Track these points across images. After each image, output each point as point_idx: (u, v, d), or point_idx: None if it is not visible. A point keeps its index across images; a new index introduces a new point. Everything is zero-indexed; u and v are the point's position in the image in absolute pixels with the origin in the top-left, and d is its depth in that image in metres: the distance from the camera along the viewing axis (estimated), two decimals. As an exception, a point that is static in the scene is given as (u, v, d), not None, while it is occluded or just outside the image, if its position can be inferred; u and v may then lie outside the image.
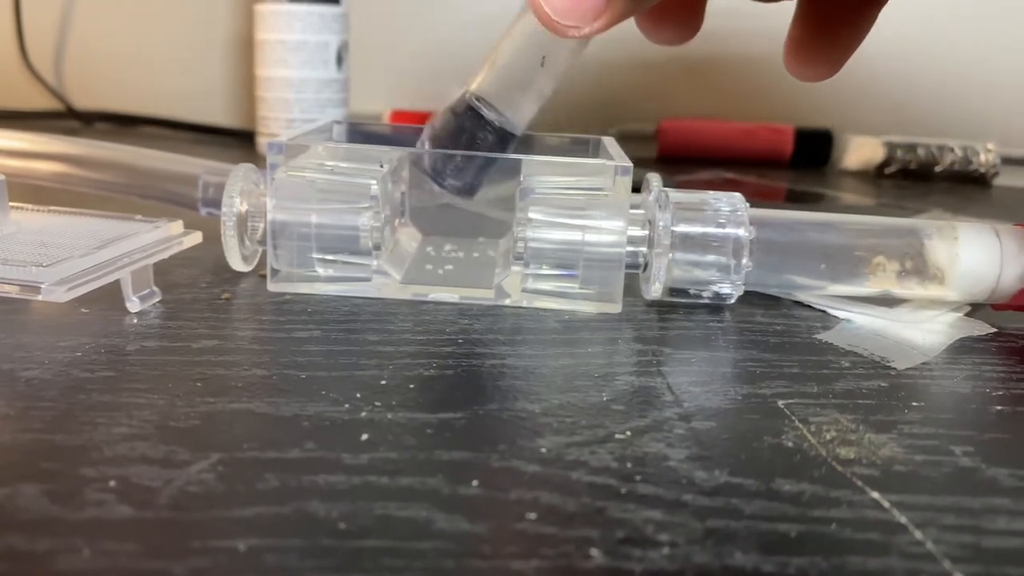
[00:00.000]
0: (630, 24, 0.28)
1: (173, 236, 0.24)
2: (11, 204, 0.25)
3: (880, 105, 0.62)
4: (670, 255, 0.24)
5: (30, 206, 0.26)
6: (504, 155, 0.25)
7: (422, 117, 0.56)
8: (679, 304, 0.26)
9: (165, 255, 0.24)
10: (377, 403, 0.18)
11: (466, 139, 0.24)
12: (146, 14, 0.64)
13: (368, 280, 0.25)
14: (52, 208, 0.26)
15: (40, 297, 0.20)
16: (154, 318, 0.23)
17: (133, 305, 0.23)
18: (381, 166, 0.25)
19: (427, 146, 0.25)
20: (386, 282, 0.26)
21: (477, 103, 0.24)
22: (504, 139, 0.24)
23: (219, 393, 0.18)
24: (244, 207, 0.26)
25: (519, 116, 0.24)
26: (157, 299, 0.24)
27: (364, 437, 0.16)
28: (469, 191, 0.25)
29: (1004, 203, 0.50)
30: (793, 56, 0.25)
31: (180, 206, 0.30)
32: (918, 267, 0.25)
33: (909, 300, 0.26)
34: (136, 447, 0.16)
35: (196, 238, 0.25)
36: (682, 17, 0.25)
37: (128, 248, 0.23)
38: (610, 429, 0.17)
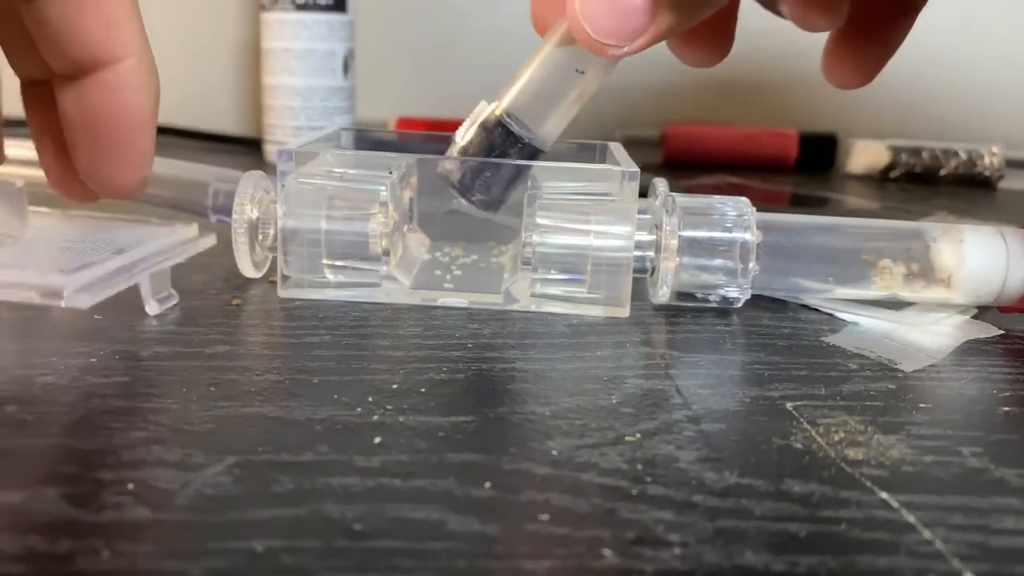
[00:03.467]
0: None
1: (189, 239, 0.25)
2: (30, 208, 0.25)
3: (884, 109, 0.62)
4: (677, 259, 0.24)
5: (47, 209, 0.26)
6: (512, 161, 0.25)
7: (428, 124, 0.57)
8: (686, 308, 0.26)
9: (182, 258, 0.24)
10: (389, 407, 0.18)
11: (496, 156, 0.24)
12: (153, 24, 0.64)
13: (377, 286, 0.26)
14: (70, 212, 0.26)
15: (63, 303, 0.20)
16: (167, 324, 0.23)
17: (152, 308, 0.23)
18: (390, 172, 0.25)
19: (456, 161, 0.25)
20: (395, 288, 0.26)
21: (508, 120, 0.24)
22: (533, 156, 0.24)
23: (233, 397, 0.18)
24: (255, 214, 0.26)
25: (548, 133, 0.24)
26: (175, 301, 0.24)
27: (376, 440, 0.17)
28: (495, 206, 0.25)
29: (1009, 206, 0.50)
30: (831, 64, 0.25)
31: (190, 213, 0.31)
32: (924, 270, 0.25)
33: (916, 303, 0.27)
34: (152, 450, 0.16)
35: (210, 240, 0.26)
36: (713, 38, 0.25)
37: (146, 252, 0.23)
38: (620, 431, 0.17)
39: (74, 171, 0.22)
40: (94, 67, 0.21)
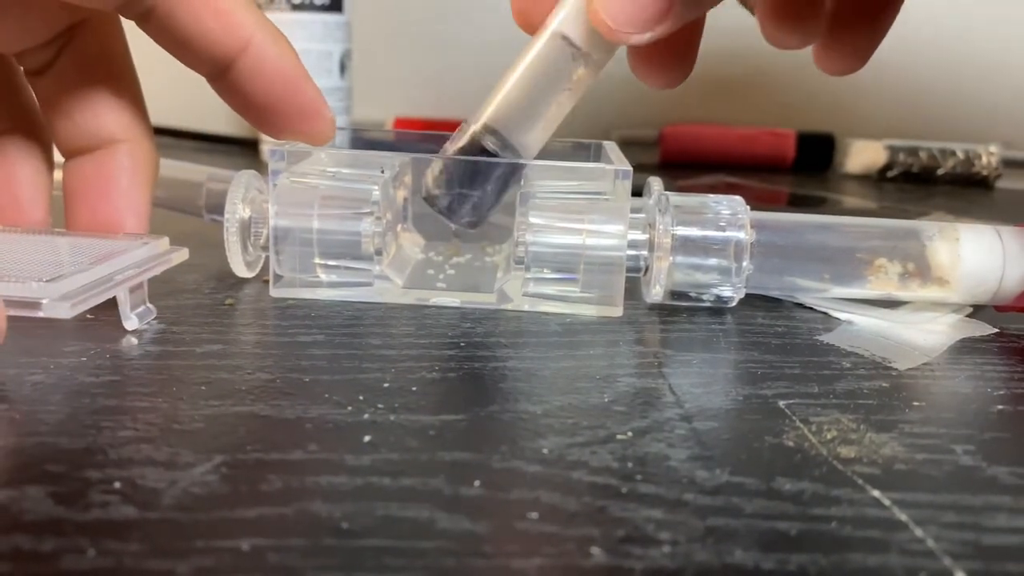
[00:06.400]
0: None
1: (161, 253, 0.24)
2: None
3: (882, 108, 0.62)
4: (671, 258, 0.24)
5: (2, 227, 0.24)
6: (505, 159, 0.25)
7: (426, 124, 0.57)
8: (680, 307, 0.26)
9: (157, 271, 0.23)
10: (380, 405, 0.18)
11: (479, 179, 0.24)
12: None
13: (370, 285, 0.25)
14: (28, 230, 0.24)
15: (42, 313, 0.19)
16: (158, 324, 0.23)
17: (131, 323, 0.22)
18: (382, 172, 0.25)
19: (440, 183, 0.24)
20: (388, 287, 0.26)
21: (488, 142, 0.23)
22: (516, 172, 0.24)
23: (223, 396, 0.18)
24: (247, 213, 0.26)
25: (531, 144, 0.24)
26: (153, 316, 0.23)
27: (367, 439, 0.17)
28: (478, 225, 0.25)
29: (1007, 205, 0.50)
30: (822, 53, 0.25)
31: (184, 212, 0.31)
32: (920, 269, 0.25)
33: (911, 302, 0.26)
34: (141, 449, 0.16)
35: (183, 255, 0.24)
36: (676, 57, 0.25)
37: (122, 264, 0.22)
38: (611, 430, 0.17)
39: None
40: (94, 148, 0.24)
